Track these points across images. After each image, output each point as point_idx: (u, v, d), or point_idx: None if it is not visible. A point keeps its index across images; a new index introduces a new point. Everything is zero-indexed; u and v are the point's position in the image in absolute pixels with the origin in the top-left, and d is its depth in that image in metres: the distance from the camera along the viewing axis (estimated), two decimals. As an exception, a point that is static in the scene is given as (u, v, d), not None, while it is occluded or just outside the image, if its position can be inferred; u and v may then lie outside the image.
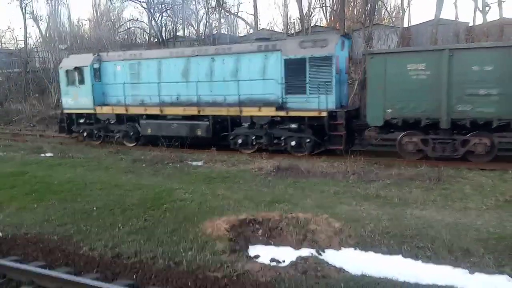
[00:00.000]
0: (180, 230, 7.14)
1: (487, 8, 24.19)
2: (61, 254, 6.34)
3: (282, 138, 13.62)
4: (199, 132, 14.81)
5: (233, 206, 8.20)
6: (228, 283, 5.28)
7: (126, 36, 35.34)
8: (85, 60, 16.99)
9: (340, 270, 5.74)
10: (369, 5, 24.94)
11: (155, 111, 15.64)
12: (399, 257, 6.11)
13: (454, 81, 11.08)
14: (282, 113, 13.40)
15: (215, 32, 31.65)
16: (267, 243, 7.17)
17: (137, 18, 37.55)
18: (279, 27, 37.15)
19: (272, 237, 7.35)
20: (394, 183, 9.55)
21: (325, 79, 12.74)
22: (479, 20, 24.59)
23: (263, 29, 29.33)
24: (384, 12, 36.54)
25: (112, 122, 16.99)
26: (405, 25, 27.94)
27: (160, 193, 9.20)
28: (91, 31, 38.91)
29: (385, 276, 5.38)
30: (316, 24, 32.49)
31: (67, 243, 6.78)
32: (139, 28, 36.43)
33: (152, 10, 32.35)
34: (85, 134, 17.59)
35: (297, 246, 6.89)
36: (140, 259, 6.10)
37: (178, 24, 33.02)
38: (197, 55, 15.02)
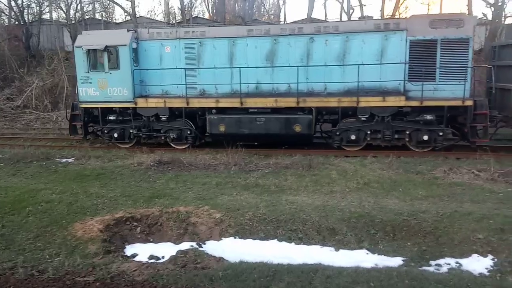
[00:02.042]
0: (45, 235, 6.45)
1: (351, 11, 26.93)
2: None
3: (407, 132, 11.75)
4: (297, 129, 12.16)
5: (108, 204, 7.70)
6: (101, 287, 4.93)
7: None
8: (119, 37, 12.84)
9: (220, 259, 5.82)
10: (248, 0, 25.66)
11: (232, 103, 12.52)
12: (275, 241, 6.46)
13: None
14: (415, 103, 11.46)
15: (87, 17, 29.13)
16: (146, 241, 6.91)
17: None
18: (159, 17, 35.98)
19: (152, 233, 7.12)
20: (272, 172, 10.03)
21: (460, 64, 11.23)
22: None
23: (141, 16, 28.00)
24: (263, 10, 38.14)
25: (163, 119, 13.15)
26: (282, 22, 29.44)
27: (21, 195, 8.16)
28: None
29: (261, 260, 5.63)
30: (198, 16, 32.30)
31: None
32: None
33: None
34: (115, 135, 13.41)
35: (177, 241, 6.78)
36: (-5, 272, 5.32)
37: (43, 6, 29.51)
38: (289, 35, 12.28)
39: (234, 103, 12.49)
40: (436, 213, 6.86)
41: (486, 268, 5.43)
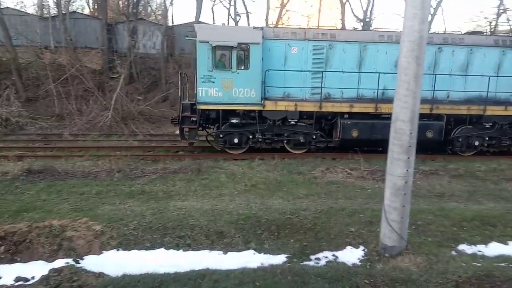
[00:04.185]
0: None
1: (237, 18, 27.66)
2: None
3: None
4: (429, 135, 12.37)
5: (-39, 222, 6.56)
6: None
7: None
8: (250, 35, 11.78)
9: (100, 275, 5.38)
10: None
11: (367, 108, 12.12)
12: (162, 249, 6.22)
13: None
14: None
15: None
16: (11, 261, 6.07)
17: None
18: (30, 9, 32.30)
19: (19, 252, 6.28)
20: (160, 178, 9.70)
21: None
22: (232, 27, 27.82)
23: (7, 7, 24.76)
24: (150, 9, 36.89)
25: (292, 123, 12.31)
26: (169, 24, 28.88)
27: None
28: None
29: (146, 271, 5.35)
30: (77, 11, 29.80)
31: None
32: None
33: None
34: (235, 140, 12.26)
35: (50, 258, 6.08)
36: None
37: None
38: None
39: (369, 108, 12.26)
40: (315, 210, 7.37)
41: (358, 259, 5.99)
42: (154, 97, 20.72)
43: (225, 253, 6.22)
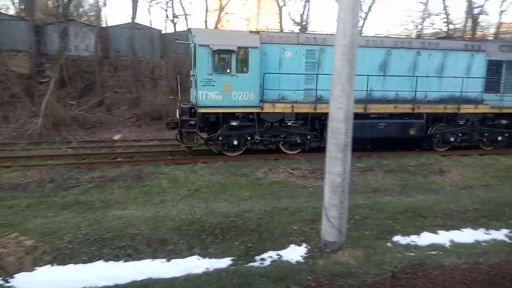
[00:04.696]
0: None
1: (175, 19, 27.23)
2: None
3: (486, 134, 14.39)
4: (412, 132, 13.44)
5: None
6: None
7: None
8: (249, 39, 12.15)
9: (32, 294, 5.01)
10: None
11: (357, 109, 11.63)
12: (101, 262, 5.94)
13: None
14: (496, 110, 14.12)
15: None
16: None
17: None
18: None
19: None
20: (97, 186, 9.26)
21: None
22: (170, 29, 27.41)
23: None
24: (81, 10, 35.13)
25: (289, 124, 12.76)
26: (103, 25, 27.72)
27: None
28: None
29: (83, 286, 5.08)
30: (1, 11, 27.59)
31: None
32: None
33: None
34: (235, 142, 12.48)
35: (-25, 280, 5.56)
36: None
37: None
38: (400, 47, 13.31)
39: (359, 108, 12.54)
40: (259, 211, 7.44)
41: (301, 256, 6.13)
42: (88, 102, 19.73)
43: (168, 260, 6.07)
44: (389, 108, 13.32)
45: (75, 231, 6.49)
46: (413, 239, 6.73)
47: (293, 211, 7.45)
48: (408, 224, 7.19)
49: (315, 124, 13.17)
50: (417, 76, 13.42)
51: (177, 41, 14.38)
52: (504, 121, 14.55)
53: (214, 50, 11.66)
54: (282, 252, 6.25)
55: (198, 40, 11.80)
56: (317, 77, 12.59)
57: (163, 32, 25.29)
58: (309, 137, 13.12)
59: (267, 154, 12.83)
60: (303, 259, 6.04)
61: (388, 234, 6.78)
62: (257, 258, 6.10)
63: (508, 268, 5.53)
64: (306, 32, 15.49)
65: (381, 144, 14.00)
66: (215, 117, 12.32)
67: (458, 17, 40.02)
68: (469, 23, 27.41)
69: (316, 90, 12.62)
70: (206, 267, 5.77)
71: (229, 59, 11.88)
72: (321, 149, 12.76)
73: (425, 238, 6.76)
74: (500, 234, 7.03)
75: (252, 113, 12.44)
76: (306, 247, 6.34)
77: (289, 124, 12.84)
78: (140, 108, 20.41)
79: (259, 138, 12.63)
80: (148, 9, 25.43)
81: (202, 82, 11.84)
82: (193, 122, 12.16)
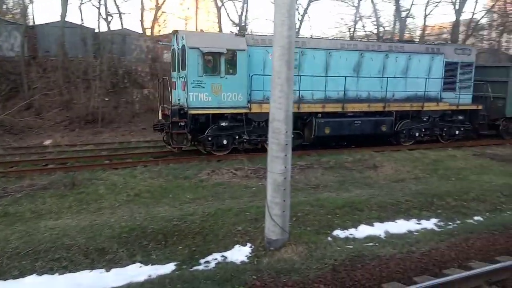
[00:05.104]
0: None
1: (109, 18, 26.12)
2: None
3: (444, 129, 15.95)
4: (383, 129, 14.65)
5: None
6: None
7: None
8: (236, 41, 12.53)
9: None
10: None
11: (336, 108, 13.88)
12: (33, 276, 5.54)
13: None
14: (454, 107, 15.71)
15: None
16: None
17: None
18: None
19: None
20: (27, 196, 8.64)
21: (467, 80, 16.05)
22: (103, 28, 26.19)
23: None
24: (5, 7, 32.46)
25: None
26: (30, 23, 25.87)
27: None
28: None
29: (14, 305, 4.70)
30: None
31: None
32: None
33: None
34: (224, 141, 12.74)
35: None
36: None
37: None
38: (371, 51, 14.45)
39: (337, 108, 13.84)
40: (203, 213, 7.36)
41: (246, 256, 6.15)
42: (15, 105, 18.32)
43: (108, 270, 5.81)
44: (364, 107, 14.36)
45: (3, 245, 6.02)
46: (352, 232, 7.03)
47: (237, 211, 7.46)
48: (347, 218, 7.51)
49: (298, 123, 13.59)
50: (387, 77, 14.59)
51: (160, 43, 14.35)
52: (460, 117, 16.11)
53: (204, 53, 11.90)
54: (227, 254, 6.24)
55: (188, 43, 11.92)
56: (299, 78, 13.13)
57: (96, 31, 24.13)
58: (293, 136, 13.36)
59: (210, 155, 12.76)
60: (247, 259, 6.07)
61: (328, 229, 7.03)
62: (202, 261, 6.03)
63: (437, 255, 5.96)
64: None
65: (357, 140, 15.05)
66: (205, 118, 12.48)
67: (388, 20, 42.42)
68: (398, 26, 29.26)
69: (300, 90, 13.17)
70: (148, 274, 5.59)
71: (219, 61, 12.17)
72: (263, 150, 13.23)
73: (362, 231, 7.09)
74: (430, 224, 7.56)
75: (240, 114, 12.76)
76: (250, 247, 6.38)
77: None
78: (72, 111, 19.35)
79: (247, 138, 13.03)
80: (79, 6, 23.98)
81: (193, 84, 12.01)
82: (183, 124, 12.14)
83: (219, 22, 26.72)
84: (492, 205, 8.56)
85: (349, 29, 31.06)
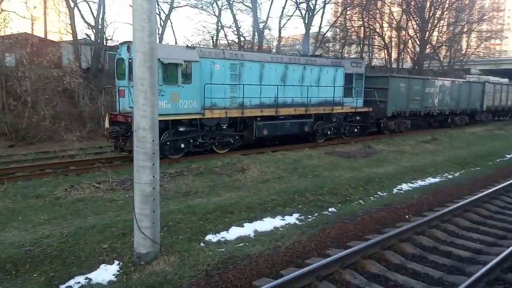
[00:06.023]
0: None
1: None
2: None
3: (346, 127, 19.46)
4: (306, 129, 17.42)
5: None
6: None
7: None
8: (191, 53, 13.78)
9: None
10: None
11: (271, 112, 16.08)
12: None
13: None
14: (353, 110, 19.35)
15: None
16: None
17: None
18: None
19: None
20: None
21: (360, 87, 19.81)
22: None
23: None
24: None
25: (223, 127, 14.94)
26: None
27: None
28: None
29: None
30: None
31: None
32: None
33: None
34: (182, 145, 13.71)
35: None
36: None
37: None
38: (293, 63, 17.04)
39: (272, 112, 16.08)
40: (61, 234, 6.63)
41: (114, 274, 5.75)
42: None
43: None
44: (291, 111, 16.84)
45: None
46: (223, 235, 7.18)
47: (101, 228, 6.92)
48: (218, 222, 7.63)
49: (241, 126, 15.49)
50: (306, 86, 17.26)
51: (109, 53, 15.08)
52: (357, 118, 19.96)
53: (165, 64, 12.76)
54: (91, 275, 5.72)
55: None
56: (242, 87, 15.08)
57: None
58: (237, 138, 15.54)
59: (67, 170, 11.59)
60: (115, 277, 5.68)
61: (201, 235, 7.04)
62: (62, 287, 5.43)
63: (300, 247, 6.49)
64: (230, 49, 19.21)
65: (286, 140, 17.40)
66: (163, 123, 12.85)
67: (247, 30, 44.83)
68: (256, 36, 31.11)
69: (243, 97, 15.13)
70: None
71: (176, 71, 13.15)
72: (129, 159, 12.70)
73: (233, 233, 7.29)
74: (292, 219, 8.18)
75: (195, 119, 13.95)
76: (118, 264, 5.99)
77: (224, 127, 14.95)
78: None
79: (201, 141, 14.31)
80: None
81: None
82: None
83: (72, 24, 24.53)
84: (343, 196, 9.70)
85: (212, 37, 31.84)
